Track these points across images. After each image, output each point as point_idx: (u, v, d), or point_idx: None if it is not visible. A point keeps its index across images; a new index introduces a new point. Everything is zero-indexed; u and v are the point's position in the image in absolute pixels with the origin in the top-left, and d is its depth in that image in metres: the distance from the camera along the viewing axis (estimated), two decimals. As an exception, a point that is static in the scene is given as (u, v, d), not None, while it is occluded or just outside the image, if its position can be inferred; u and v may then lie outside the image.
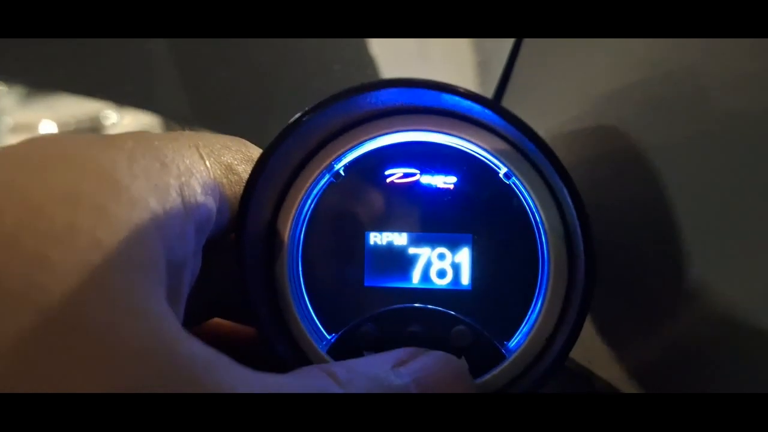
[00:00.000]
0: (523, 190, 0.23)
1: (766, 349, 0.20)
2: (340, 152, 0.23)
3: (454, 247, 0.21)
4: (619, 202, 0.27)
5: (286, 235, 0.23)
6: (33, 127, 4.57)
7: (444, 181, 0.22)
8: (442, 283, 0.22)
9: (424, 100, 0.21)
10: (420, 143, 0.23)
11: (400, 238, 0.22)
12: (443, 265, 0.22)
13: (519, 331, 0.22)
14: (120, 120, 5.52)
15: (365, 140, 0.23)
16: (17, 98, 4.92)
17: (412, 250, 0.22)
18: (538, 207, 0.22)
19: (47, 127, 4.60)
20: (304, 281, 0.23)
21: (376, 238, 0.22)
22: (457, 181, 0.22)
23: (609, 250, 0.24)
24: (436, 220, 0.22)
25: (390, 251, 0.22)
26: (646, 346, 0.26)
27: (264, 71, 0.75)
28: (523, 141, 0.20)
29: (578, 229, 0.20)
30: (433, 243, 0.22)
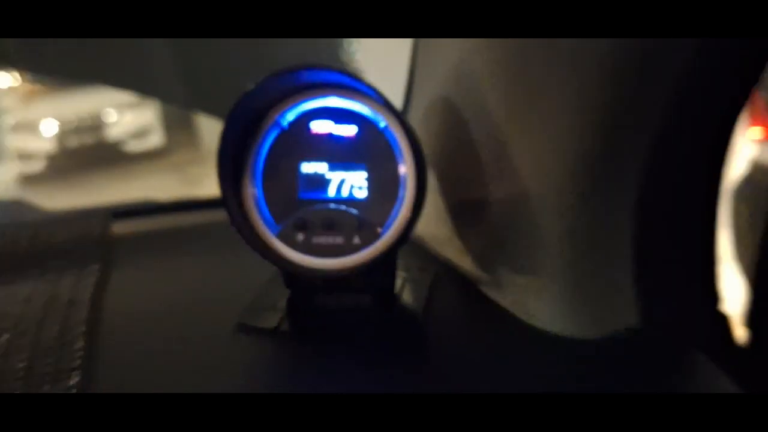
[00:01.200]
0: (392, 135, 0.35)
1: (544, 234, 0.34)
2: (282, 110, 0.36)
3: (354, 172, 0.35)
4: (452, 144, 0.40)
5: (250, 162, 0.36)
6: (34, 125, 4.63)
7: (347, 130, 0.35)
8: (345, 194, 0.35)
9: (332, 78, 0.34)
10: (333, 107, 0.36)
11: (321, 167, 0.35)
12: (348, 183, 0.35)
13: (389, 220, 0.35)
14: (121, 119, 5.51)
15: (298, 103, 0.36)
16: (19, 97, 4.96)
17: (328, 175, 0.35)
18: (401, 145, 0.35)
19: (49, 125, 4.65)
20: (261, 191, 0.36)
21: (306, 167, 0.35)
22: (356, 131, 0.35)
23: (448, 175, 0.39)
24: (343, 155, 0.35)
25: (315, 175, 0.35)
26: (469, 234, 0.39)
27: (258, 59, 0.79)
28: (389, 104, 0.33)
29: (415, 157, 0.32)
30: (341, 169, 0.35)
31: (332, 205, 0.33)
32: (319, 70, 0.30)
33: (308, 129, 0.33)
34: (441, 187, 0.39)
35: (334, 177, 0.33)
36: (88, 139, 5.30)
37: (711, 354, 0.33)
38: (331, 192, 0.33)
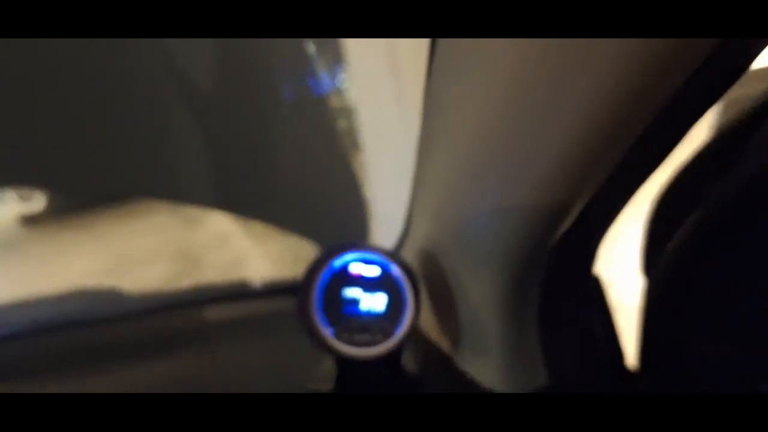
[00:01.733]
0: (400, 277, 0.49)
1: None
2: (333, 259, 0.49)
3: (377, 294, 0.50)
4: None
5: (314, 289, 0.49)
6: None
7: (374, 272, 0.50)
8: (373, 309, 0.49)
9: (363, 249, 0.49)
10: (365, 258, 0.50)
11: (357, 292, 0.49)
12: (374, 302, 0.50)
13: (399, 325, 0.49)
14: None
15: (342, 255, 0.50)
16: None
17: (362, 297, 0.49)
18: (405, 282, 0.49)
19: None
20: (321, 308, 0.49)
21: (347, 292, 0.49)
22: (379, 272, 0.50)
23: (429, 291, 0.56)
24: (371, 286, 0.50)
25: (353, 298, 0.49)
26: (442, 326, 0.56)
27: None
28: (401, 260, 0.49)
29: (414, 289, 0.49)
30: (370, 293, 0.50)
31: (364, 316, 0.50)
32: (358, 249, 0.50)
33: (348, 270, 0.50)
34: (428, 297, 0.57)
35: (365, 298, 0.50)
36: None
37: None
38: (363, 308, 0.50)
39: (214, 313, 0.64)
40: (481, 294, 0.48)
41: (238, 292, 0.70)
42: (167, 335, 0.60)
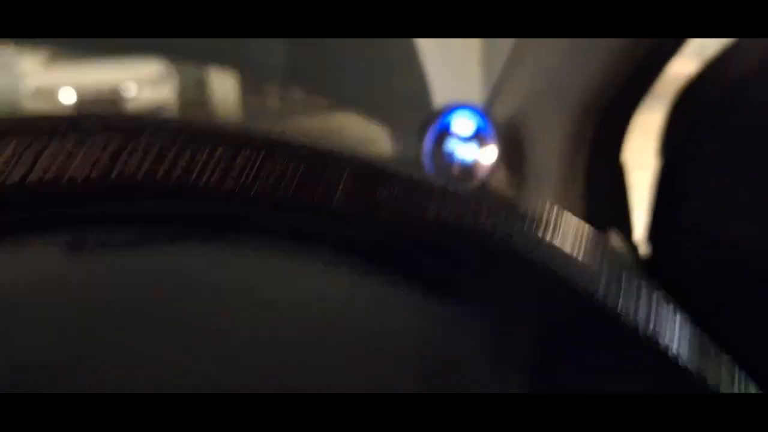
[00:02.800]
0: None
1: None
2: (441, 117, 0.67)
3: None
4: None
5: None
6: (53, 93, 4.43)
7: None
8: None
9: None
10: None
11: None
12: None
13: None
14: (139, 93, 5.29)
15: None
16: (40, 62, 4.78)
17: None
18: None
19: (67, 94, 4.46)
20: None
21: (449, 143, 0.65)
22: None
23: None
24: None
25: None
26: None
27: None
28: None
29: None
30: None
31: (458, 162, 0.64)
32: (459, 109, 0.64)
33: (449, 127, 0.63)
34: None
35: (461, 148, 0.63)
36: (106, 111, 5.09)
37: None
38: (458, 156, 0.64)
39: None
40: (546, 145, 0.63)
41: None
42: None
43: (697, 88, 0.55)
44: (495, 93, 0.72)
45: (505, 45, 0.68)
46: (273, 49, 0.88)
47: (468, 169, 0.62)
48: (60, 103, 4.46)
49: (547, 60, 0.60)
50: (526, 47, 0.63)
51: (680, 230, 0.57)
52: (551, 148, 0.61)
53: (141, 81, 4.65)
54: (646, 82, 0.54)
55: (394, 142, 0.98)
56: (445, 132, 0.62)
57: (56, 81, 4.35)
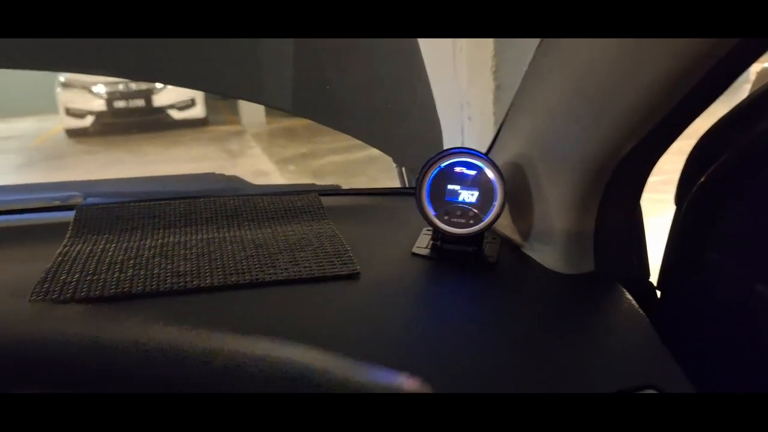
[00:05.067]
0: (491, 176, 0.65)
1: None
2: (440, 162, 0.66)
3: (472, 191, 0.65)
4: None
5: (425, 184, 0.66)
6: (85, 84, 5.67)
7: (471, 172, 0.65)
8: (468, 200, 0.66)
9: (465, 150, 0.65)
10: (464, 162, 0.65)
11: (457, 187, 0.65)
12: (469, 195, 0.65)
13: (487, 213, 0.65)
14: (167, 87, 6.04)
15: (447, 157, 0.65)
16: None
17: (461, 191, 0.65)
18: (495, 180, 0.64)
19: (99, 85, 5.66)
20: (429, 196, 0.66)
21: (450, 187, 0.66)
22: (474, 173, 0.65)
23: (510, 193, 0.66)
24: (468, 183, 0.65)
25: (454, 190, 0.65)
26: (516, 221, 0.70)
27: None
28: (492, 162, 0.63)
29: (503, 186, 0.64)
30: (466, 189, 0.66)
31: (460, 205, 0.64)
32: (459, 150, 0.63)
33: (453, 170, 0.64)
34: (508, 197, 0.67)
35: (463, 192, 0.64)
36: (135, 103, 5.08)
37: (629, 285, 0.60)
38: (461, 198, 0.64)
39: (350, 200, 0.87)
40: (556, 196, 0.61)
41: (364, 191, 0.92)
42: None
43: (717, 141, 0.54)
44: (499, 138, 0.74)
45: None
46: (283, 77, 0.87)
47: (468, 210, 0.63)
48: (91, 94, 5.86)
49: (555, 110, 0.58)
50: (534, 94, 0.63)
51: (695, 274, 0.57)
52: (558, 197, 0.60)
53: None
54: (669, 139, 0.52)
55: (399, 178, 1.06)
56: (447, 173, 0.64)
57: (88, 75, 5.72)
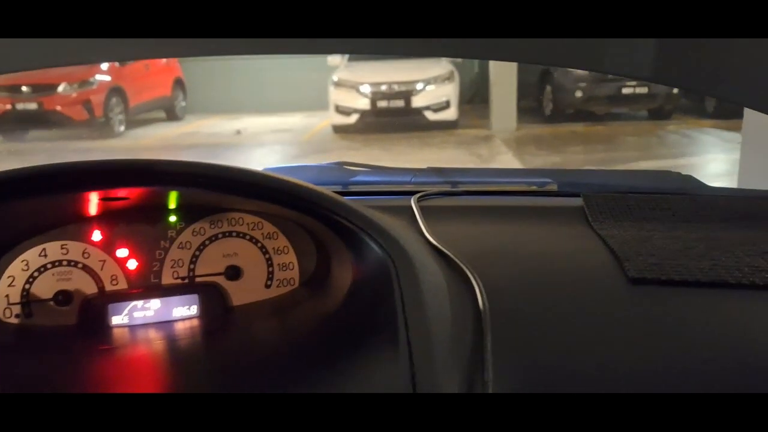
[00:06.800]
0: None
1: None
2: None
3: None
4: None
5: None
6: (354, 85, 6.30)
7: None
8: None
9: None
10: None
11: None
12: None
13: None
14: (425, 90, 6.64)
15: None
16: (342, 60, 6.39)
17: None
18: None
19: (365, 86, 6.24)
20: None
21: None
22: None
23: None
24: None
25: None
26: None
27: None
28: None
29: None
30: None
31: None
32: None
33: None
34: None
35: None
36: (395, 103, 5.82)
37: None
38: None
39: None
40: None
41: None
42: None
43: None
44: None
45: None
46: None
47: None
48: (358, 93, 6.43)
49: None
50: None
51: None
52: None
53: (428, 79, 5.92)
54: None
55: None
56: None
57: (356, 75, 6.48)
